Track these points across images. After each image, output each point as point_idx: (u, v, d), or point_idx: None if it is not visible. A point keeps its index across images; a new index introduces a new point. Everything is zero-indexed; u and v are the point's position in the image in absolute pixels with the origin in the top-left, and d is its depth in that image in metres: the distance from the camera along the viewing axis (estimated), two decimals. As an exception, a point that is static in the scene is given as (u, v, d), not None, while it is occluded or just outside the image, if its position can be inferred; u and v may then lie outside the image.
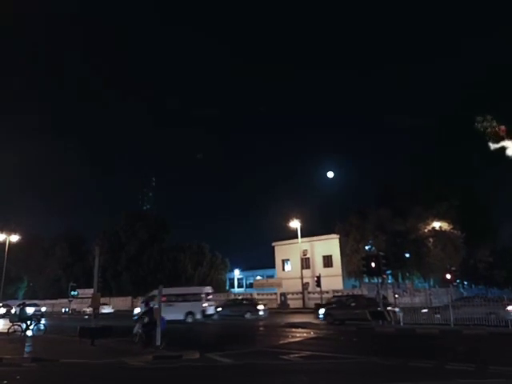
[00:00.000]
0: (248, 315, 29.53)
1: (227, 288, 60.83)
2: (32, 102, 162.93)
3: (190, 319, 27.12)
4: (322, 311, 25.04)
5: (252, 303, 32.65)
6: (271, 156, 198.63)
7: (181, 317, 26.40)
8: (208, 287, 30.84)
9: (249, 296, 43.14)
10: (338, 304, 25.66)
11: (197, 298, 27.99)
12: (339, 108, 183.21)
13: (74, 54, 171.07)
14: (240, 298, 39.53)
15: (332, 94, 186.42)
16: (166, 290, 21.78)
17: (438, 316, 20.00)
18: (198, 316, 27.17)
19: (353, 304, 23.60)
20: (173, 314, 23.47)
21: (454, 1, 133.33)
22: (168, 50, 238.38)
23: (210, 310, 28.24)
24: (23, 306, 20.42)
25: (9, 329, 19.19)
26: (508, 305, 19.02)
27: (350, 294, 34.99)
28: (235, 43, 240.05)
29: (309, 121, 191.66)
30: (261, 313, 30.03)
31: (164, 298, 18.53)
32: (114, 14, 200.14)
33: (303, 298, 39.90)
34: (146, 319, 14.27)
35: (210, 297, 29.25)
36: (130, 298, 51.78)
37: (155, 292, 20.27)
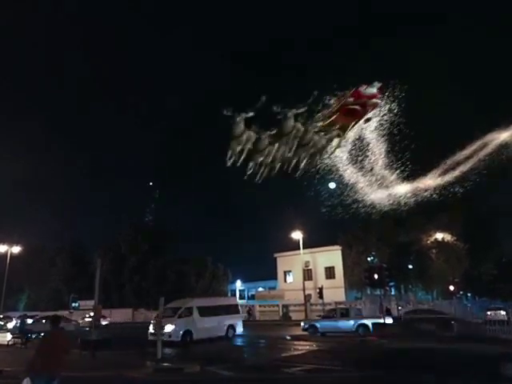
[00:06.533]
0: None
1: (229, 300, 60.23)
2: (32, 102, 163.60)
3: None
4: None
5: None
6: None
7: None
8: None
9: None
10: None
11: None
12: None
13: (74, 54, 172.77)
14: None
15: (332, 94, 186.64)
16: None
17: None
18: None
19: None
20: None
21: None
22: (168, 50, 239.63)
23: None
24: (24, 318, 20.32)
25: (8, 341, 19.08)
26: None
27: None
28: (235, 43, 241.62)
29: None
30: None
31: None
32: (114, 14, 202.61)
33: (305, 310, 39.49)
34: None
35: None
36: (130, 310, 51.55)
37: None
